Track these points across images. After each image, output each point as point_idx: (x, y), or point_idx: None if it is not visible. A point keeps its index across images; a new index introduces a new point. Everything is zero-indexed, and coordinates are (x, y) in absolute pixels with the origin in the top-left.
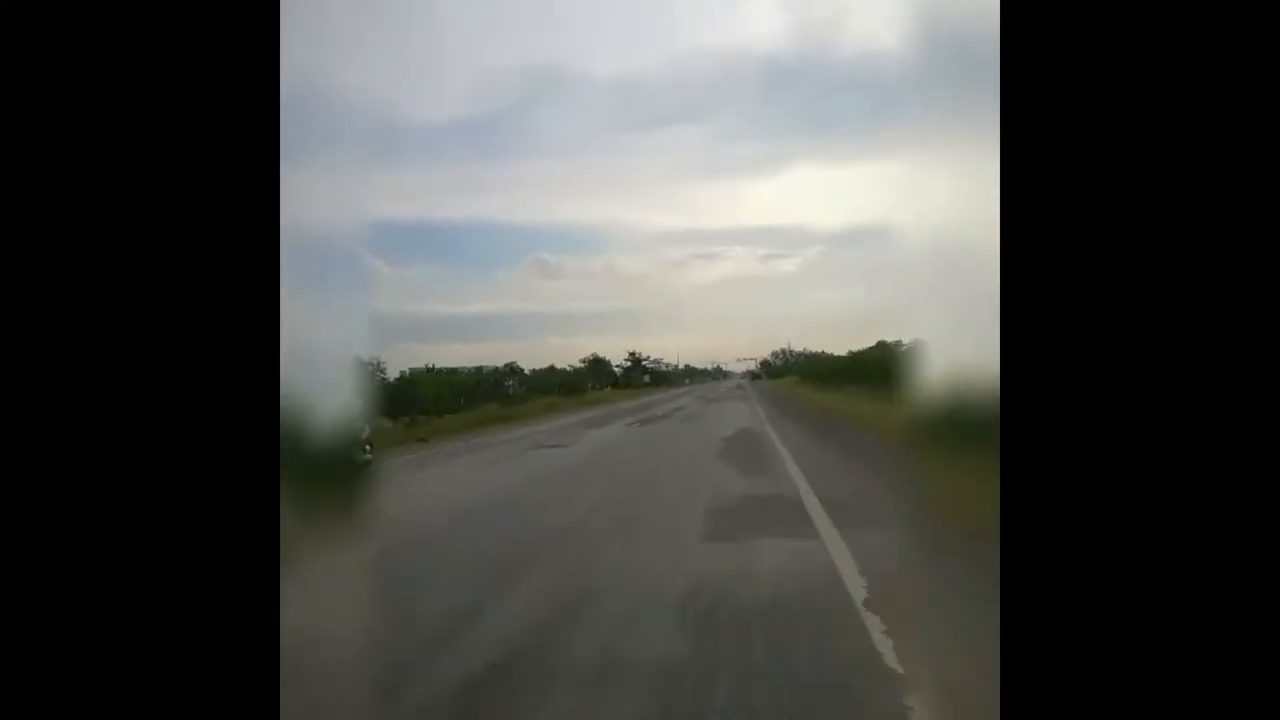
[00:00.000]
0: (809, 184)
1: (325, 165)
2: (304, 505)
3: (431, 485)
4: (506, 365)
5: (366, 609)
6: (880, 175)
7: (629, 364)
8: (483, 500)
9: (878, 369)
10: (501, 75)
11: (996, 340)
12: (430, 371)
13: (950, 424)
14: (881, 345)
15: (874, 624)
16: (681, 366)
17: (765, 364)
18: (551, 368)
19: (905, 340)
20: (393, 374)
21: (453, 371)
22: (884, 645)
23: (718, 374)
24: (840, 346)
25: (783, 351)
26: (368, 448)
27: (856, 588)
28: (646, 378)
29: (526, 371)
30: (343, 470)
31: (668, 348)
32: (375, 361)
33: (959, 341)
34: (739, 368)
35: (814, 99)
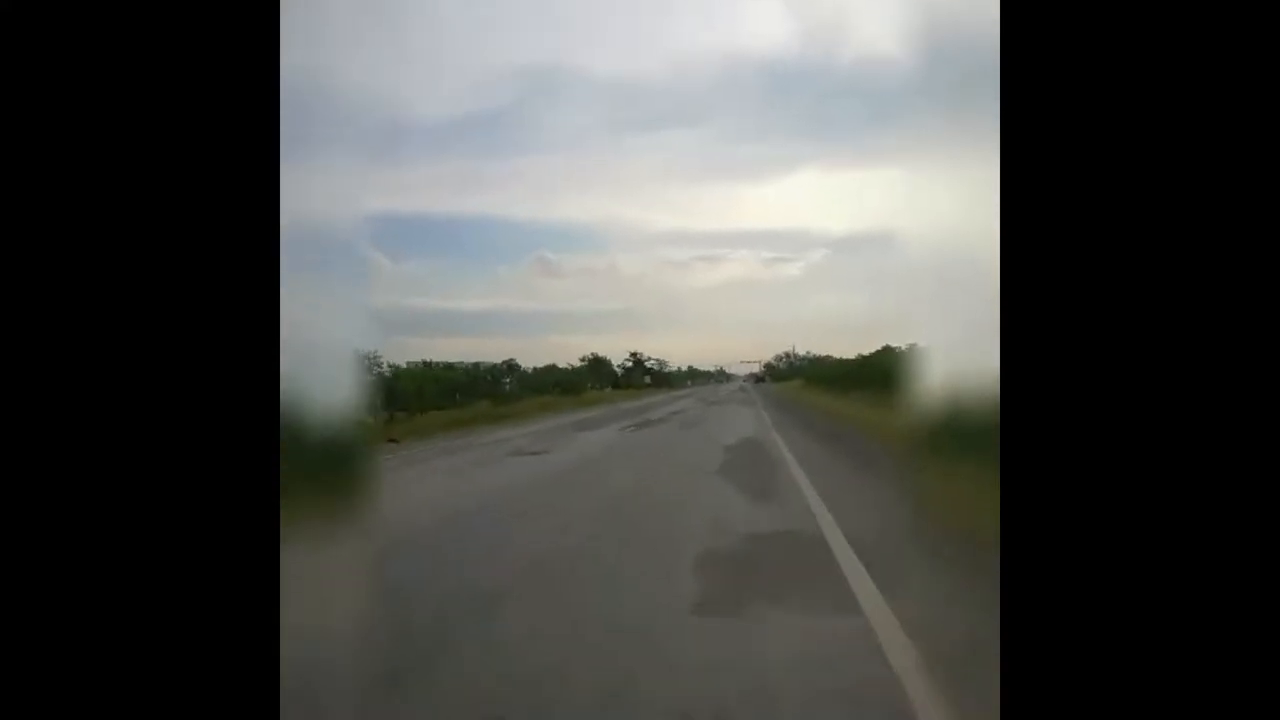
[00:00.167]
0: (811, 188)
1: (326, 160)
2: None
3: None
4: (505, 362)
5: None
6: (882, 181)
7: (630, 364)
8: (403, 536)
9: (887, 374)
10: (502, 73)
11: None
12: (426, 366)
13: (985, 437)
14: (888, 350)
15: None
16: (684, 368)
17: (769, 367)
18: (552, 366)
19: (911, 345)
20: (389, 368)
21: (449, 367)
22: None
23: (720, 376)
24: (844, 351)
25: (786, 355)
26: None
27: None
28: (648, 379)
29: (526, 369)
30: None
31: (670, 349)
32: (372, 355)
33: (966, 347)
34: (742, 370)
35: (814, 103)
